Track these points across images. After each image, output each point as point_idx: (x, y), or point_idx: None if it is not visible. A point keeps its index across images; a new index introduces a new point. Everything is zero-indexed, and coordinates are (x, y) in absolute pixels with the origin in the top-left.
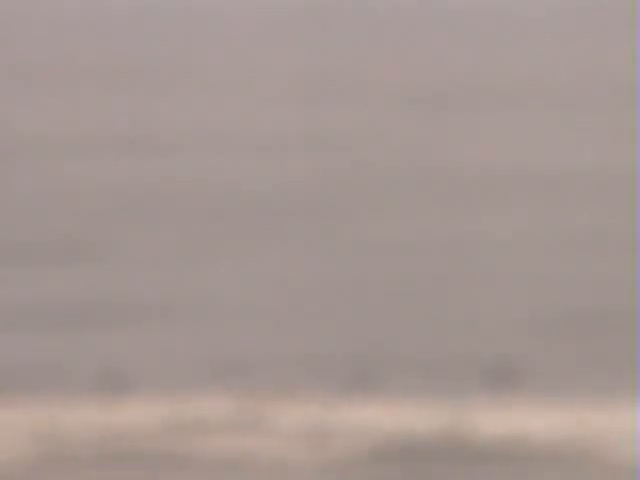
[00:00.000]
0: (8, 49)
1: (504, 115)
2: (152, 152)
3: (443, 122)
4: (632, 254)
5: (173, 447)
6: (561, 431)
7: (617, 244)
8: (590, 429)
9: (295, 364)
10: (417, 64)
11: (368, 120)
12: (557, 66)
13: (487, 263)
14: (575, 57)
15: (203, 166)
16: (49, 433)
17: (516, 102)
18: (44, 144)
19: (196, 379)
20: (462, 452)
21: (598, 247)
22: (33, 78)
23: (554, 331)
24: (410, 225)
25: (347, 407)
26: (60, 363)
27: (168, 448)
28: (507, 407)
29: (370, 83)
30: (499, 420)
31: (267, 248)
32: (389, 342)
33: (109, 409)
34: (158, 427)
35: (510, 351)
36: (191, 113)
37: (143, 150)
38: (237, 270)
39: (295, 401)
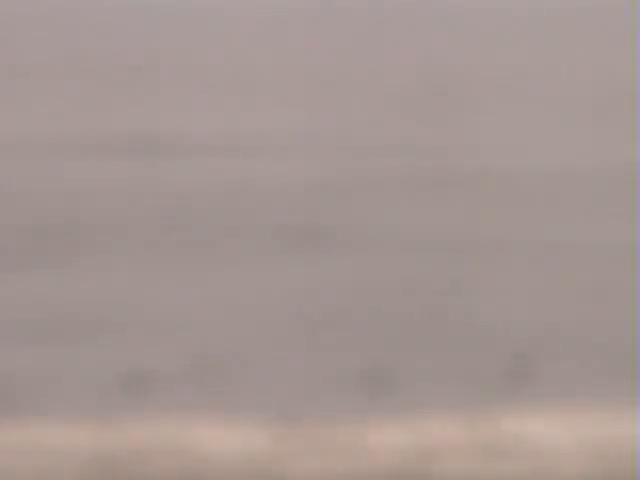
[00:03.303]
0: (8, 49)
1: (504, 115)
2: (152, 152)
3: (443, 122)
4: (632, 255)
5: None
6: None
7: (617, 246)
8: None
9: (303, 373)
10: (417, 64)
11: (369, 120)
12: (557, 66)
13: (486, 264)
14: (575, 57)
15: (203, 166)
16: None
17: (516, 102)
18: (43, 144)
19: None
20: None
21: (598, 248)
22: (32, 77)
23: (556, 335)
24: (410, 226)
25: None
26: (65, 374)
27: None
28: (525, 411)
29: (370, 83)
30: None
31: (268, 249)
32: (399, 348)
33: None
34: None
35: (524, 354)
36: (191, 113)
37: (142, 150)
38: (237, 273)
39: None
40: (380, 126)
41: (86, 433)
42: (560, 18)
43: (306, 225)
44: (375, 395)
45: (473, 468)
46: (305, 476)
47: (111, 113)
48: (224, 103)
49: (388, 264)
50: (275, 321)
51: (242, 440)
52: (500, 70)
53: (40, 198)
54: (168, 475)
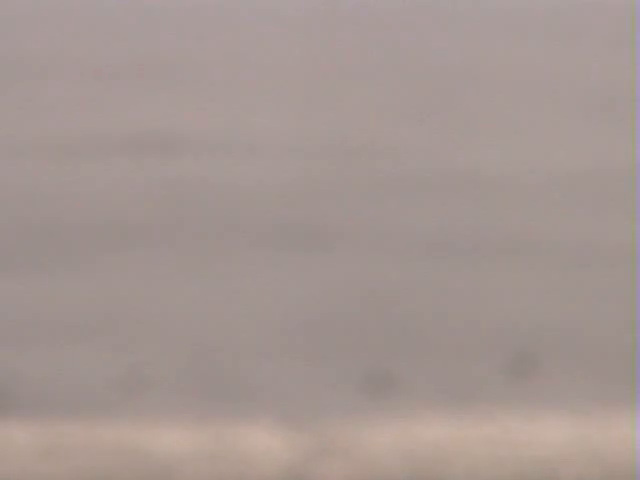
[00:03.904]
0: (8, 49)
1: (504, 115)
2: (151, 152)
3: (443, 122)
4: (632, 255)
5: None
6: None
7: (617, 246)
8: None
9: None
10: (417, 64)
11: (369, 120)
12: (557, 66)
13: (486, 265)
14: (575, 57)
15: (203, 166)
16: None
17: (516, 102)
18: (43, 144)
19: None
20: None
21: (598, 248)
22: (32, 78)
23: (556, 335)
24: (410, 227)
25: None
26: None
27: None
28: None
29: (370, 83)
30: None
31: (267, 250)
32: (401, 348)
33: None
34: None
35: (524, 354)
36: (191, 113)
37: (142, 150)
38: (237, 273)
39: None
40: (380, 127)
41: (86, 433)
42: (560, 18)
43: (306, 226)
44: (376, 396)
45: (473, 467)
46: (305, 476)
47: (111, 113)
48: (224, 103)
49: (388, 264)
50: (275, 322)
51: (243, 441)
52: (500, 70)
53: (40, 198)
54: (168, 475)
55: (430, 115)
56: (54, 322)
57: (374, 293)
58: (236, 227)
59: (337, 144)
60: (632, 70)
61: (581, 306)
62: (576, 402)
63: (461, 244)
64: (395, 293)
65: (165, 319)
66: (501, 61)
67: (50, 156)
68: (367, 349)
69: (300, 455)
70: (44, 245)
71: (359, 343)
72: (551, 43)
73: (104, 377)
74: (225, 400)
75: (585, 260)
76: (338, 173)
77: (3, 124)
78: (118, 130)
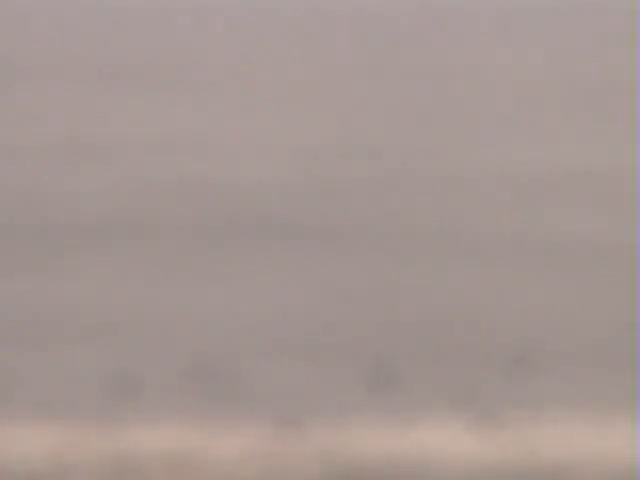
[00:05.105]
0: (8, 49)
1: (504, 115)
2: (151, 152)
3: (443, 122)
4: (632, 255)
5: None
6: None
7: (617, 246)
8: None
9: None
10: (417, 64)
11: (369, 120)
12: (557, 66)
13: (486, 265)
14: (575, 57)
15: (203, 166)
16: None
17: (516, 102)
18: (42, 145)
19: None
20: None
21: (598, 248)
22: (32, 78)
23: (555, 336)
24: (410, 226)
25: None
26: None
27: None
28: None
29: (370, 83)
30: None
31: (267, 250)
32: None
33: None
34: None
35: (523, 356)
36: (191, 113)
37: (142, 150)
38: (235, 275)
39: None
40: (380, 127)
41: (85, 434)
42: (560, 18)
43: (306, 226)
44: (376, 397)
45: (473, 468)
46: (305, 477)
47: (111, 114)
48: (224, 103)
49: (388, 264)
50: (275, 321)
51: (242, 442)
52: (500, 70)
53: (40, 198)
54: (168, 475)
55: (430, 115)
56: (54, 322)
57: (374, 293)
58: (236, 227)
59: (337, 144)
60: (632, 70)
61: (581, 306)
62: (576, 402)
63: (461, 244)
64: (396, 293)
65: (165, 319)
66: (501, 61)
67: (50, 156)
68: (367, 349)
69: (300, 455)
70: (44, 245)
71: (359, 343)
72: (551, 43)
73: (104, 377)
74: (225, 400)
75: (585, 260)
76: (338, 173)
77: (3, 124)
78: (118, 130)
